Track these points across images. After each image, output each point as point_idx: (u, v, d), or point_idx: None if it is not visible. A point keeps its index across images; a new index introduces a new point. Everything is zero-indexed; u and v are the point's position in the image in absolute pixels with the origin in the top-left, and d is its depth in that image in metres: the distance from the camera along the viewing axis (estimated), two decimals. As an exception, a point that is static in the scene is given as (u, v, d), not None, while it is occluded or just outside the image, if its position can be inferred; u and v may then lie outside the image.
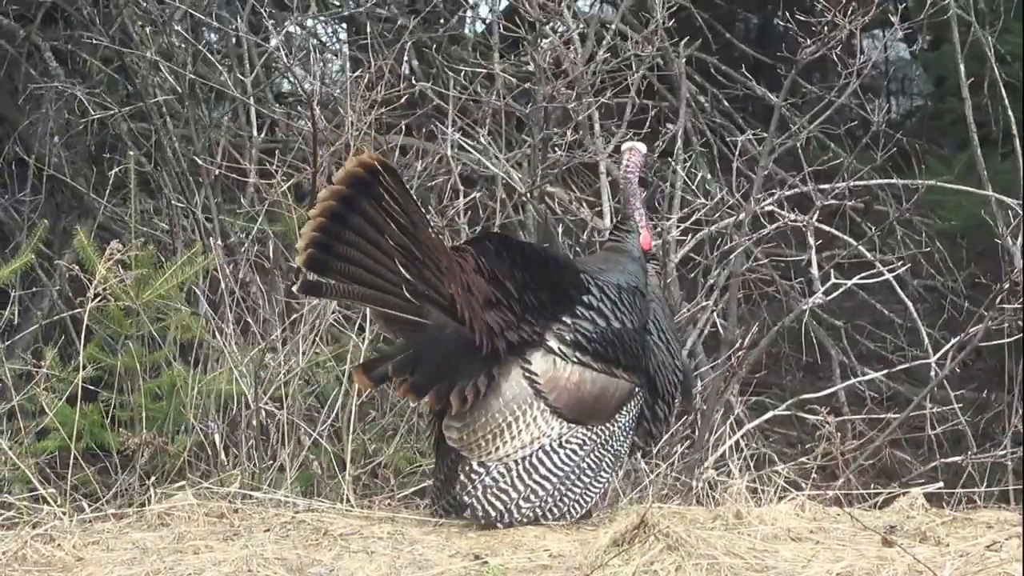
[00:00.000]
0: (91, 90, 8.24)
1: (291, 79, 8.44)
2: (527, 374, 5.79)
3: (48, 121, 8.48)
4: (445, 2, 9.03)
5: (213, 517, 5.94)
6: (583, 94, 7.59)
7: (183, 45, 8.18)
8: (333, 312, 7.02)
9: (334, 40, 9.89)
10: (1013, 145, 8.13)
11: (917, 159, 8.91)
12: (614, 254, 6.15)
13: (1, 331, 7.41)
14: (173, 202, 7.94)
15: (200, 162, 7.92)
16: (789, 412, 7.50)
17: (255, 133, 8.09)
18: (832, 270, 7.59)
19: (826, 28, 7.16)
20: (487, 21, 9.29)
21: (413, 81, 7.98)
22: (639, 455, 6.68)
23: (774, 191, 7.82)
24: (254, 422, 6.77)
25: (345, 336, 6.98)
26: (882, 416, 7.55)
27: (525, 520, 5.80)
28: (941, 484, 7.01)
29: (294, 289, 5.90)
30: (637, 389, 5.94)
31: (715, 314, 7.59)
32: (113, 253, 6.43)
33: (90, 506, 6.21)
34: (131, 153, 7.78)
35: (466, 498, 5.79)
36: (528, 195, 7.64)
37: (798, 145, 7.77)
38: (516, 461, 5.80)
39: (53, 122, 8.49)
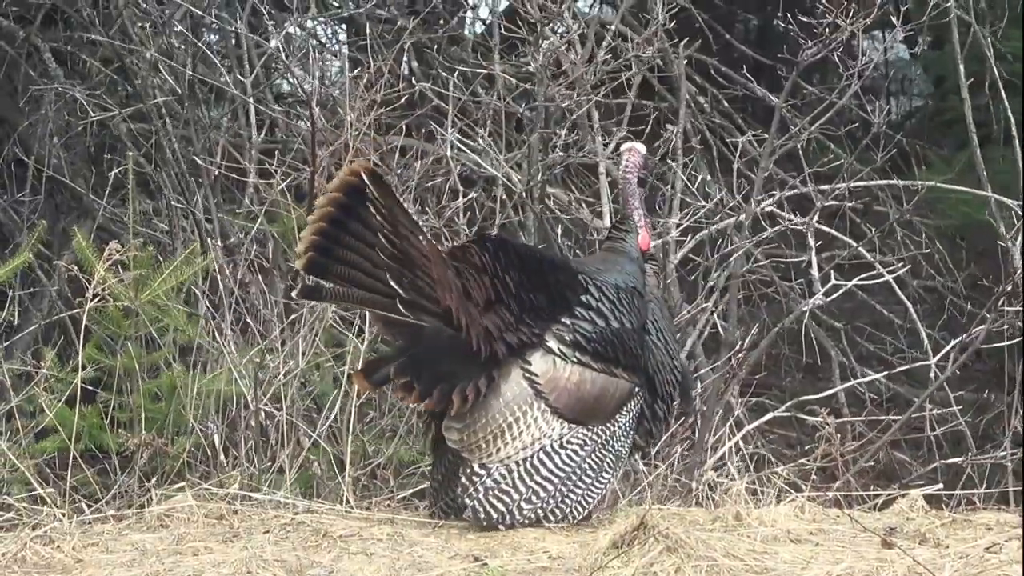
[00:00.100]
0: (91, 91, 8.24)
1: (290, 80, 8.44)
2: (527, 375, 5.79)
3: (48, 122, 8.48)
4: (445, 3, 9.03)
5: (212, 518, 5.94)
6: (583, 95, 7.59)
7: (183, 46, 8.17)
8: (332, 313, 7.01)
9: (334, 41, 9.89)
10: (1013, 145, 8.13)
11: (917, 160, 8.91)
12: (612, 254, 6.15)
13: (0, 332, 7.41)
14: (173, 203, 7.93)
15: (200, 162, 7.92)
16: (789, 413, 7.50)
17: (255, 133, 8.09)
18: (832, 271, 7.59)
19: (827, 29, 7.15)
20: (487, 22, 9.29)
21: (412, 82, 7.97)
22: (638, 456, 6.68)
23: (774, 192, 7.82)
24: (253, 423, 6.77)
25: (344, 337, 6.98)
26: (882, 418, 7.55)
27: (527, 522, 5.80)
28: (941, 486, 7.01)
29: (293, 295, 5.91)
30: (637, 389, 5.94)
31: (715, 315, 7.59)
32: (112, 254, 6.42)
33: (89, 507, 6.21)
34: (130, 154, 7.77)
35: (467, 500, 5.79)
36: (526, 194, 7.63)
37: (798, 146, 7.77)
38: (517, 462, 5.80)
39: (53, 123, 8.50)
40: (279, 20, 8.38)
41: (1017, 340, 7.51)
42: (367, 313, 6.45)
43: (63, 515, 5.97)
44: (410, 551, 5.51)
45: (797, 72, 7.35)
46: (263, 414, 6.80)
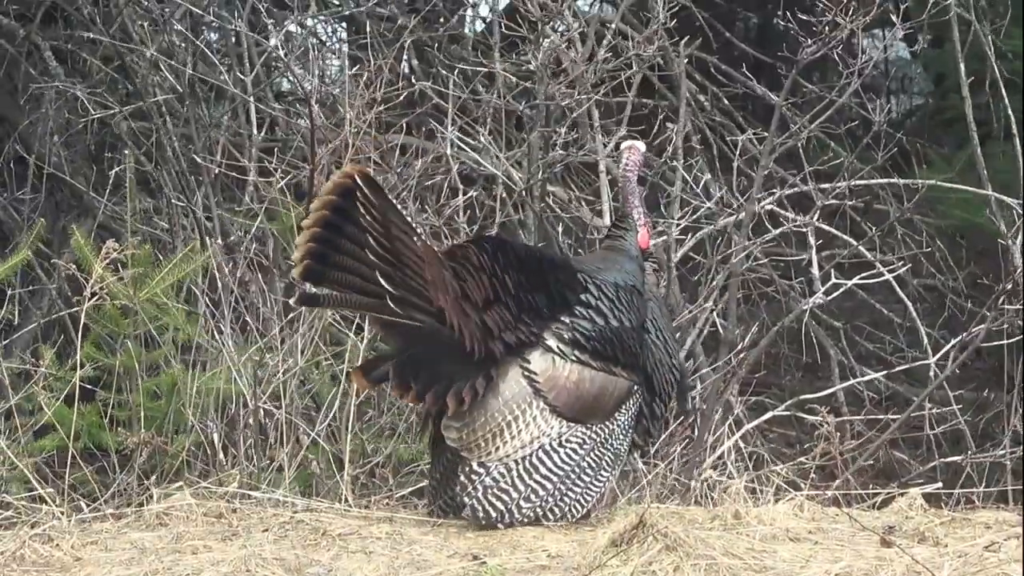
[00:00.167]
0: (91, 89, 8.23)
1: (290, 78, 8.44)
2: (526, 373, 5.79)
3: (48, 120, 8.47)
4: (445, 1, 9.03)
5: (211, 517, 5.94)
6: (583, 93, 7.59)
7: (183, 44, 8.17)
8: (331, 312, 7.01)
9: (334, 39, 9.89)
10: (1013, 143, 8.12)
11: (918, 159, 8.91)
12: (612, 253, 6.15)
13: (0, 330, 7.40)
14: (173, 201, 7.93)
15: (200, 161, 7.92)
16: (788, 412, 7.50)
17: (255, 132, 8.08)
18: (832, 270, 7.59)
19: (827, 28, 7.15)
20: (487, 20, 9.29)
21: (412, 80, 7.97)
22: (637, 454, 6.68)
23: (774, 190, 7.82)
24: (252, 422, 6.77)
25: (343, 335, 6.98)
26: (881, 417, 7.55)
27: (526, 520, 5.80)
28: (940, 484, 7.01)
29: (291, 302, 5.93)
30: (636, 387, 5.95)
31: (715, 314, 7.58)
32: (109, 252, 6.43)
33: (88, 506, 6.21)
34: (127, 152, 7.77)
35: (466, 499, 5.79)
36: (526, 192, 7.63)
37: (798, 145, 7.77)
38: (516, 461, 5.80)
39: (53, 121, 8.49)
40: (279, 18, 8.38)
41: (1017, 339, 7.51)
42: (365, 317, 6.47)
43: (62, 513, 5.98)
44: (409, 549, 5.51)
45: (797, 70, 7.35)
46: (262, 412, 6.80)
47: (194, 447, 6.73)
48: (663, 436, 7.05)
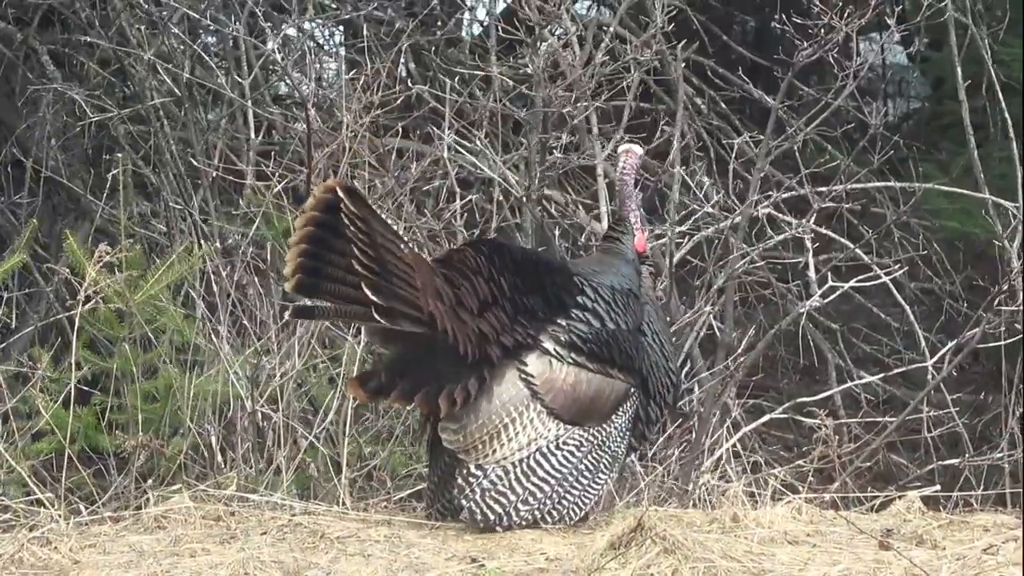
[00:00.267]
0: (88, 92, 8.23)
1: (288, 82, 8.44)
2: (523, 376, 5.80)
3: (45, 123, 8.46)
4: (442, 4, 9.02)
5: (210, 520, 5.94)
6: (581, 97, 7.59)
7: (181, 47, 8.17)
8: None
9: (331, 43, 9.89)
10: (1010, 147, 8.13)
11: (914, 162, 8.91)
12: (608, 256, 6.16)
13: (-2, 333, 7.42)
14: (171, 204, 7.93)
15: (197, 164, 7.92)
16: (786, 415, 7.51)
17: (252, 135, 8.08)
18: (829, 273, 7.59)
19: (823, 31, 7.16)
20: (484, 23, 9.29)
21: (409, 84, 7.97)
22: (635, 457, 6.68)
23: (771, 194, 7.82)
24: (249, 424, 6.77)
25: (340, 338, 6.98)
26: (879, 419, 7.55)
27: (524, 523, 5.80)
28: (938, 487, 7.02)
29: (286, 315, 5.95)
30: (632, 390, 5.95)
31: (712, 317, 7.58)
32: (102, 255, 6.43)
33: (86, 509, 6.21)
34: (119, 155, 7.77)
35: (464, 501, 5.79)
36: (526, 199, 7.64)
37: (795, 147, 7.77)
38: (514, 463, 5.80)
39: (50, 124, 8.48)
40: (276, 22, 8.38)
41: (1014, 339, 7.50)
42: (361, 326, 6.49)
43: (60, 516, 5.97)
44: (407, 552, 5.51)
45: (793, 73, 7.36)
46: (259, 415, 6.80)
47: (192, 450, 6.73)
48: (661, 439, 7.05)
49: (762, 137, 7.65)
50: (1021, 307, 7.39)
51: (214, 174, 7.93)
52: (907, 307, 8.20)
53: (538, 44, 7.62)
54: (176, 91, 8.03)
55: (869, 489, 7.07)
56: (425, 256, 6.03)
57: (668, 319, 7.16)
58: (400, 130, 7.77)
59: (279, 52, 7.84)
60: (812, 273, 7.54)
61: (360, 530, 5.77)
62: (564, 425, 5.83)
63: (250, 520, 5.95)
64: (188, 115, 8.04)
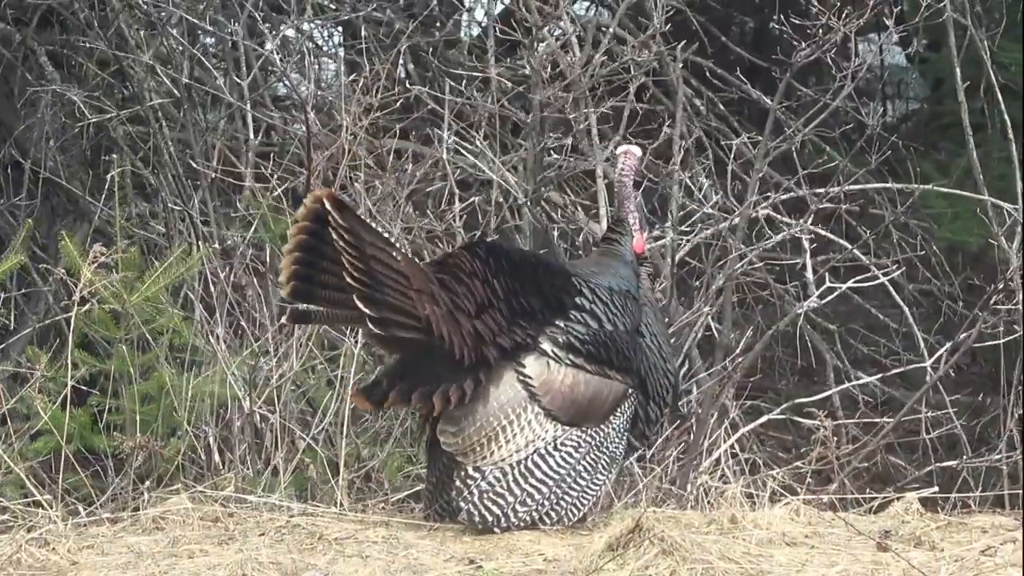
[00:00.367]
0: (87, 93, 8.22)
1: (286, 83, 8.43)
2: (521, 377, 5.80)
3: (44, 124, 8.45)
4: (441, 6, 9.02)
5: (208, 521, 5.94)
6: (580, 98, 7.59)
7: (179, 49, 8.17)
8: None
9: (330, 44, 9.88)
10: (1009, 148, 8.13)
11: (913, 163, 8.91)
12: (606, 257, 6.17)
13: (-4, 334, 7.42)
14: (170, 205, 7.93)
15: (196, 166, 7.91)
16: (784, 416, 7.51)
17: (251, 136, 8.08)
18: (827, 274, 7.58)
19: (821, 31, 7.16)
20: (483, 25, 9.28)
21: (408, 85, 7.96)
22: (633, 458, 6.68)
23: (769, 194, 7.82)
24: (247, 426, 6.77)
25: (338, 339, 6.98)
26: (877, 420, 7.55)
27: (522, 524, 5.81)
28: (936, 489, 7.02)
29: (283, 320, 5.96)
30: (631, 391, 5.95)
31: (710, 318, 7.58)
32: (97, 256, 6.43)
33: (84, 510, 6.21)
34: (114, 156, 7.77)
35: (462, 503, 5.79)
36: (527, 204, 7.63)
37: (793, 148, 7.76)
38: (512, 465, 5.81)
39: (49, 125, 8.47)
40: (275, 23, 8.37)
41: (1011, 339, 7.49)
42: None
43: (58, 517, 5.97)
44: (405, 554, 5.51)
45: (791, 74, 7.35)
46: (257, 417, 6.80)
47: (190, 451, 6.73)
48: (659, 440, 7.05)
49: (760, 138, 7.65)
50: (1021, 307, 7.39)
51: (213, 175, 7.92)
52: (905, 308, 8.20)
53: (535, 45, 7.62)
54: (175, 92, 8.03)
55: (867, 490, 7.07)
56: (420, 260, 6.03)
57: (667, 320, 7.17)
58: (396, 132, 7.77)
59: (277, 53, 7.82)
60: (810, 274, 7.54)
61: (358, 531, 5.77)
62: (562, 426, 5.84)
63: (248, 521, 5.95)
64: (187, 116, 8.04)
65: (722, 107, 9.42)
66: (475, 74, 8.11)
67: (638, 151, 6.35)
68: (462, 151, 7.83)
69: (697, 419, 7.18)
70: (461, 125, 7.92)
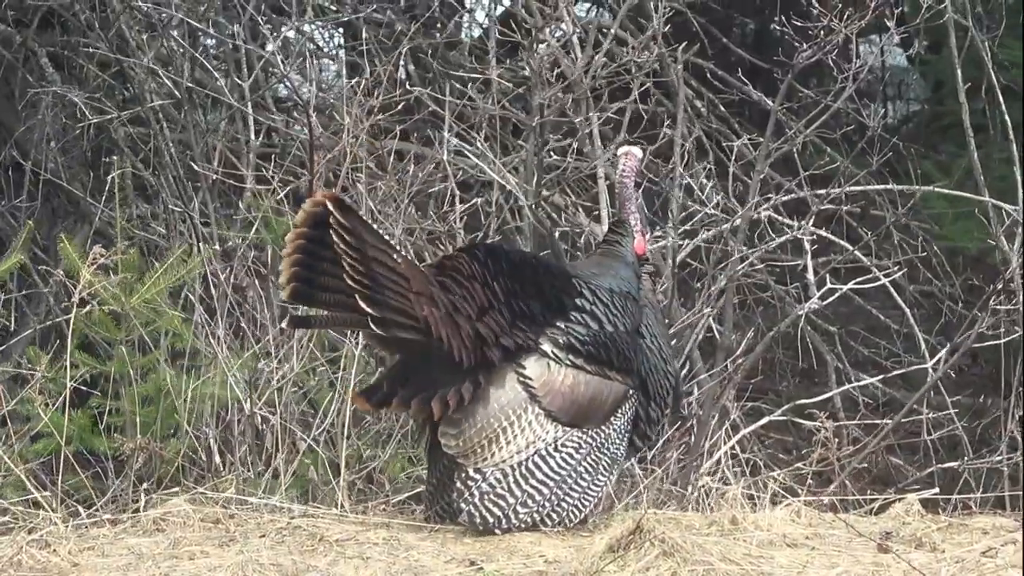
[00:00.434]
0: (88, 95, 8.22)
1: (287, 85, 8.43)
2: (521, 378, 5.80)
3: (45, 126, 8.46)
4: (442, 7, 9.02)
5: (208, 523, 5.94)
6: (580, 99, 7.59)
7: (180, 50, 8.16)
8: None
9: (330, 45, 9.88)
10: (1010, 149, 8.13)
11: (914, 164, 8.91)
12: (607, 259, 6.17)
13: (-4, 336, 7.42)
14: (170, 206, 7.93)
15: (197, 167, 7.91)
16: (785, 418, 7.50)
17: (252, 138, 8.08)
18: (828, 275, 7.58)
19: (822, 33, 7.16)
20: (484, 26, 9.28)
21: (408, 86, 7.96)
22: (634, 459, 6.68)
23: (770, 196, 7.82)
24: (248, 427, 6.77)
25: (339, 341, 6.98)
26: (878, 421, 7.55)
27: (523, 526, 5.80)
28: (937, 490, 7.02)
29: (283, 325, 5.97)
30: (631, 391, 5.95)
31: (711, 319, 7.58)
32: (96, 258, 6.44)
33: (85, 511, 6.21)
34: (115, 158, 7.77)
35: (463, 504, 5.79)
36: (532, 207, 7.63)
37: (794, 150, 7.77)
38: (512, 466, 5.80)
39: (50, 127, 8.48)
40: (276, 24, 8.37)
41: (1012, 338, 7.48)
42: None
43: (59, 519, 5.97)
44: (406, 555, 5.51)
45: (792, 75, 7.35)
46: (258, 418, 6.79)
47: (191, 453, 6.73)
48: (660, 442, 7.05)
49: (762, 139, 7.65)
50: (1021, 308, 7.38)
51: (214, 177, 7.92)
52: (906, 309, 8.19)
53: (535, 46, 7.62)
54: (176, 93, 8.03)
55: (868, 492, 7.07)
56: (422, 261, 6.04)
57: (667, 321, 7.16)
58: (399, 133, 7.76)
59: (278, 55, 7.82)
60: (811, 275, 7.54)
61: (359, 533, 5.77)
62: (563, 427, 5.84)
63: (249, 523, 5.95)
64: (187, 117, 8.04)
65: (723, 108, 9.42)
66: (476, 76, 8.11)
67: (639, 152, 6.35)
68: (463, 152, 7.82)
69: (698, 420, 7.18)
70: (462, 127, 7.92)
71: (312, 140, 7.26)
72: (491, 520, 5.78)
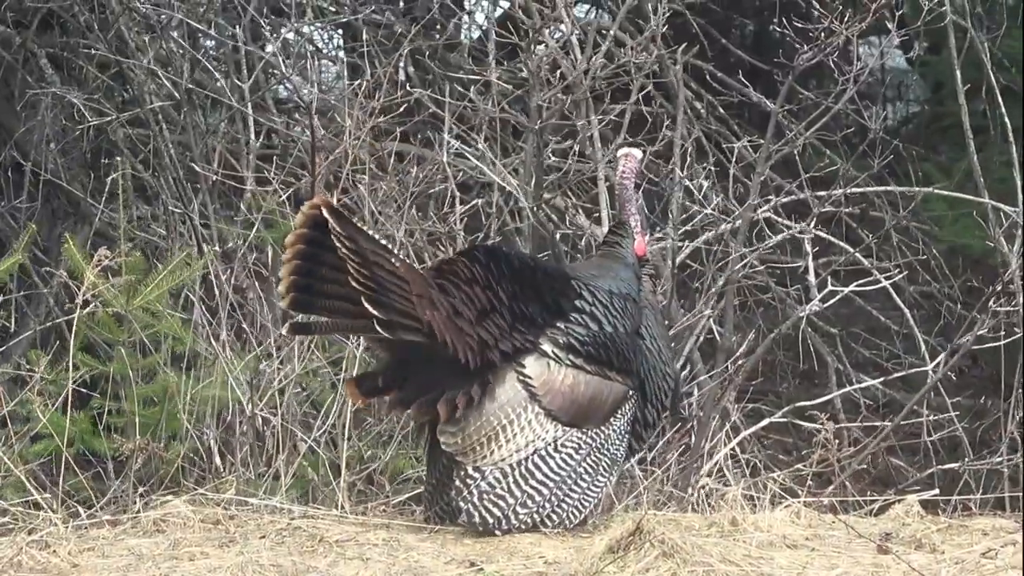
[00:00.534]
0: (87, 96, 8.22)
1: (287, 86, 8.43)
2: (521, 378, 5.80)
3: (44, 127, 8.45)
4: (441, 8, 9.02)
5: (208, 524, 5.94)
6: (580, 101, 7.60)
7: (180, 51, 8.16)
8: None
9: (330, 47, 9.88)
10: (1010, 151, 8.13)
11: (914, 166, 8.92)
12: (607, 260, 6.17)
13: (-3, 337, 7.42)
14: (170, 208, 7.93)
15: (197, 169, 7.91)
16: (785, 419, 7.51)
17: (252, 139, 8.08)
18: (828, 277, 7.59)
19: (822, 35, 7.16)
20: (483, 28, 9.28)
21: (408, 88, 7.96)
22: (633, 460, 6.68)
23: (770, 198, 7.82)
24: (249, 428, 6.77)
25: (341, 343, 6.98)
26: (878, 423, 7.55)
27: (523, 526, 5.80)
28: (937, 491, 7.02)
29: (283, 331, 5.97)
30: (631, 392, 5.95)
31: (711, 321, 7.58)
32: (101, 260, 6.44)
33: (85, 512, 6.20)
34: (119, 159, 7.77)
35: (462, 503, 5.79)
36: (532, 208, 7.64)
37: (794, 152, 7.77)
38: (512, 466, 5.80)
39: (50, 128, 8.47)
40: (276, 26, 8.37)
41: (1013, 339, 7.49)
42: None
43: (59, 520, 5.97)
44: (406, 556, 5.51)
45: (793, 77, 7.36)
46: (259, 419, 6.79)
47: (191, 454, 6.73)
48: (660, 443, 7.05)
49: (762, 141, 7.65)
50: (1020, 309, 7.39)
51: (214, 178, 7.92)
52: (907, 311, 8.19)
53: (533, 48, 7.62)
54: (176, 95, 8.02)
55: (868, 493, 7.07)
56: (422, 263, 6.04)
57: (667, 323, 7.17)
58: (399, 134, 7.76)
59: (279, 56, 7.82)
60: (812, 277, 7.54)
61: (359, 534, 5.77)
62: (562, 427, 5.84)
63: (249, 524, 5.95)
64: (187, 119, 8.03)
65: (722, 110, 9.42)
66: (475, 77, 8.11)
67: (639, 153, 6.36)
68: (464, 154, 7.82)
69: (698, 422, 7.19)
70: (462, 128, 7.92)
71: (314, 142, 7.26)
72: (491, 520, 5.78)
